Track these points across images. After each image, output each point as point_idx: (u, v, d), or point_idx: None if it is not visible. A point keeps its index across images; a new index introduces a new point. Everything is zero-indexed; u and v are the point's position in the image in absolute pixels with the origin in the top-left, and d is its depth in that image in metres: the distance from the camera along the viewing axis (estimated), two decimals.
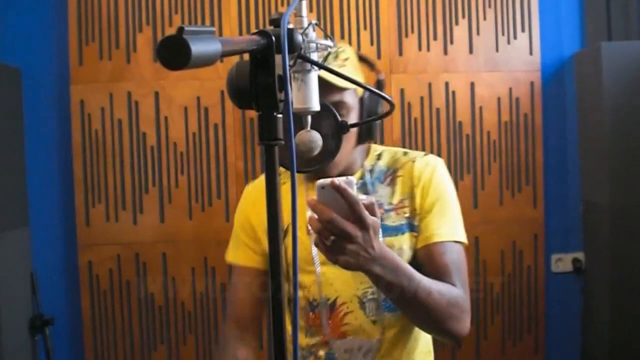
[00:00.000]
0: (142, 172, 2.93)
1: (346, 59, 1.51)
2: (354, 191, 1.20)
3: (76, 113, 2.89)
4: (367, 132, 1.55)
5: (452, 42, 2.98)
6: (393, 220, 1.53)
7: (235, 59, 2.22)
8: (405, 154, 1.63)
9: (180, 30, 0.73)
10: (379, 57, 2.94)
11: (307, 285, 1.54)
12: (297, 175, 1.00)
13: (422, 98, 2.98)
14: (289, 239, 1.45)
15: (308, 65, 1.10)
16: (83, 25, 2.88)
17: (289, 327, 1.57)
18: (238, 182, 2.91)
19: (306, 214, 1.23)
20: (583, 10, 3.05)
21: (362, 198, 1.21)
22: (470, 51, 2.99)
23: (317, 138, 1.28)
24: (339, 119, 1.46)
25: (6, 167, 2.69)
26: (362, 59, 1.60)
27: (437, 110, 2.98)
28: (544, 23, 3.01)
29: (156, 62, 2.90)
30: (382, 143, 2.95)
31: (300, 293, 1.54)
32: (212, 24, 2.89)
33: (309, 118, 1.19)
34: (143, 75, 2.91)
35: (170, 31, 0.67)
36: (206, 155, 2.94)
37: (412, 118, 2.97)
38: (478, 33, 2.99)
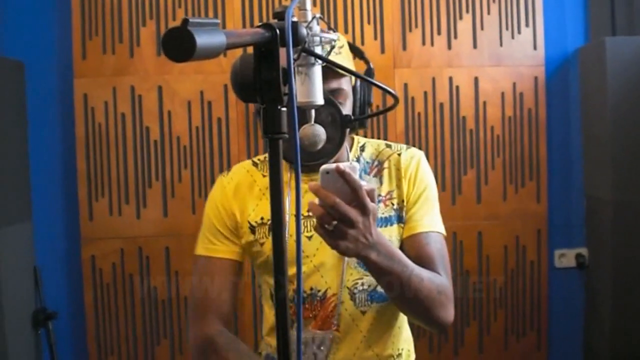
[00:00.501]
0: (146, 166, 2.93)
1: (341, 47, 1.52)
2: (357, 177, 1.21)
3: (79, 107, 2.89)
4: (360, 122, 1.55)
5: (456, 37, 2.98)
6: (382, 211, 1.54)
7: (238, 53, 2.22)
8: (388, 145, 1.64)
9: (185, 22, 0.73)
10: (382, 51, 2.94)
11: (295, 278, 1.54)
12: (283, 165, 1.00)
13: (425, 93, 2.97)
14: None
15: (312, 59, 1.10)
16: (86, 19, 2.88)
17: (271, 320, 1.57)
18: None
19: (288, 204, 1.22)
20: (587, 5, 3.04)
21: (364, 184, 1.22)
22: (474, 46, 2.98)
23: (320, 132, 1.28)
24: (343, 113, 1.47)
25: (9, 161, 2.69)
26: (353, 49, 1.60)
27: (441, 104, 2.98)
28: (548, 18, 3.00)
29: (160, 57, 2.90)
30: (385, 138, 2.96)
31: (289, 286, 1.54)
32: (216, 18, 2.88)
33: (313, 112, 1.19)
34: (146, 70, 2.91)
35: (174, 25, 0.67)
36: (209, 150, 2.93)
37: (415, 112, 2.97)
38: (482, 28, 2.98)
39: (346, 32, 2.92)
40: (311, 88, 1.11)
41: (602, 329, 2.84)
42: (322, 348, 1.52)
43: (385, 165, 1.59)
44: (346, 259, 1.50)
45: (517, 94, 2.99)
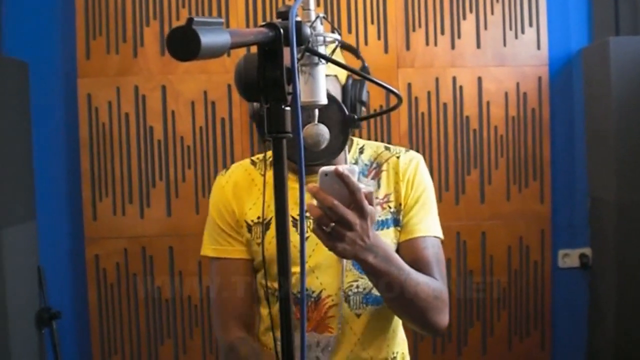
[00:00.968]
0: (149, 166, 2.93)
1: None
2: (355, 179, 1.21)
3: (83, 107, 2.90)
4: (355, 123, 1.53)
5: (459, 37, 2.97)
6: (379, 214, 1.53)
7: (241, 53, 2.22)
8: (387, 148, 1.63)
9: (190, 21, 0.73)
10: (386, 51, 2.94)
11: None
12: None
13: (429, 92, 2.97)
14: (271, 233, 1.49)
15: (315, 59, 1.10)
16: (90, 19, 2.88)
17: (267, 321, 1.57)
18: None
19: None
20: (591, 5, 3.04)
21: (362, 187, 1.22)
22: (478, 46, 2.98)
23: (324, 131, 1.28)
24: (347, 112, 1.46)
25: (13, 161, 2.70)
26: (347, 47, 1.58)
27: (445, 104, 2.98)
28: (551, 18, 2.99)
29: (163, 56, 2.90)
30: (389, 137, 2.96)
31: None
32: (220, 17, 2.88)
33: (316, 111, 1.19)
34: (150, 69, 2.91)
35: (178, 25, 0.68)
36: (213, 150, 2.94)
37: (419, 112, 2.97)
38: (485, 27, 2.98)
39: (350, 32, 2.92)
40: (315, 87, 1.11)
41: (606, 329, 2.84)
42: (329, 348, 1.51)
43: (384, 168, 1.59)
44: (345, 261, 1.50)
45: (520, 94, 2.99)
